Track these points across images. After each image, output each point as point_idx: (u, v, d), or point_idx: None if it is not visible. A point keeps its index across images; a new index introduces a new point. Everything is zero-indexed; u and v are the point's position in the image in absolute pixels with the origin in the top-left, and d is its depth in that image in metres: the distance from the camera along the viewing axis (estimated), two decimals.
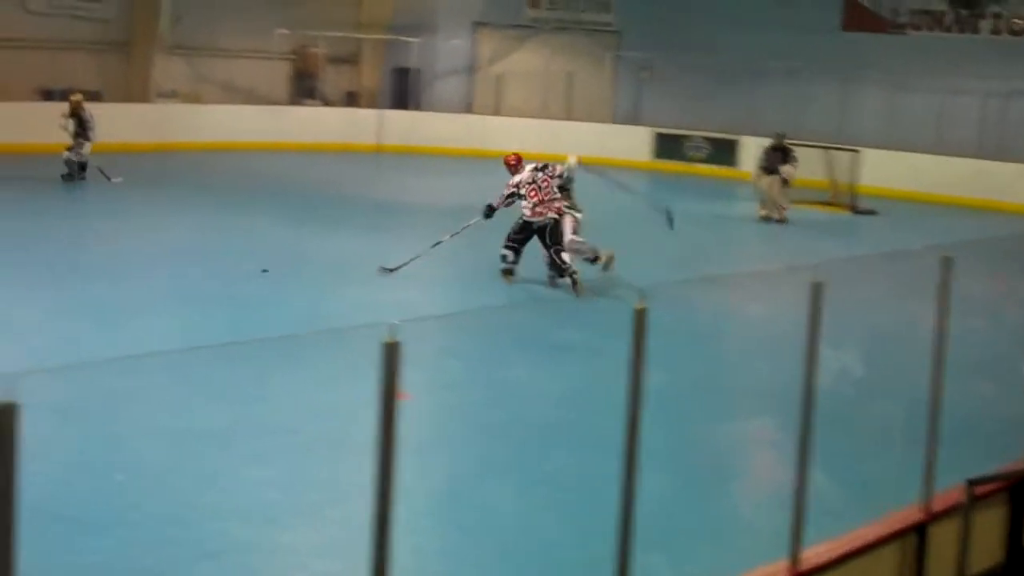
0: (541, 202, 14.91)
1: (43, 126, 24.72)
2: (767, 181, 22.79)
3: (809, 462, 6.27)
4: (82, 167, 21.79)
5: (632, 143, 31.26)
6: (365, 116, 31.64)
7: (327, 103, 32.88)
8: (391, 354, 4.33)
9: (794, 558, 6.19)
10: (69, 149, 21.74)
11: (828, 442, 8.11)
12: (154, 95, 29.83)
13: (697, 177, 27.93)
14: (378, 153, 30.45)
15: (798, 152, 23.28)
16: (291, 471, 8.33)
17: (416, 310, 12.72)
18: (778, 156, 22.98)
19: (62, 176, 21.57)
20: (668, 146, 31.01)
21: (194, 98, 30.57)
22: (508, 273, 15.03)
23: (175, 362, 10.38)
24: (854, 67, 29.35)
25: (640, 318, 5.29)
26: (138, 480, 7.99)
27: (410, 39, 33.00)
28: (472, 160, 29.74)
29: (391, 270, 14.76)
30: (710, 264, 17.56)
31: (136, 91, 29.68)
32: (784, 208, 22.76)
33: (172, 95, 30.23)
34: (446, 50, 34.19)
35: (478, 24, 34.45)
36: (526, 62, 34.09)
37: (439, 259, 15.03)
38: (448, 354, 11.44)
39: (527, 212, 14.89)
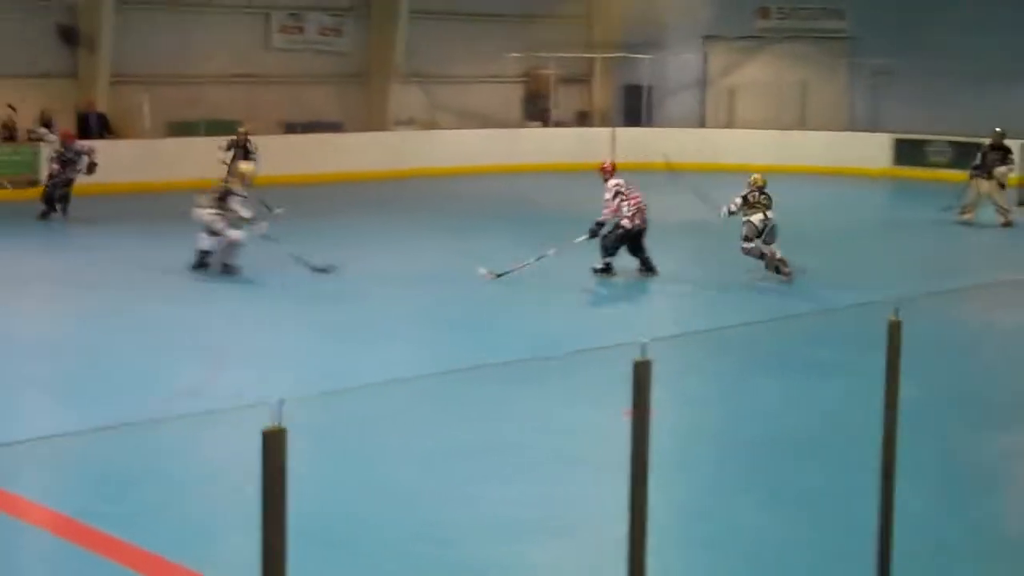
0: (639, 209, 15.90)
1: (287, 158, 25.72)
2: (986, 186, 21.92)
3: None
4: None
5: (870, 150, 30.61)
6: (597, 135, 31.77)
7: (558, 124, 33.15)
8: (642, 372, 4.34)
9: None
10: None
11: None
12: (392, 123, 30.59)
13: (939, 183, 27.12)
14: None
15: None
16: (538, 490, 8.39)
17: (649, 330, 12.70)
18: (997, 156, 22.10)
19: None
20: (908, 152, 30.24)
21: (430, 124, 31.25)
22: (607, 271, 16.01)
23: (427, 385, 10.63)
24: None
25: (894, 331, 5.19)
26: (390, 500, 8.17)
27: (640, 56, 33.03)
28: (706, 175, 29.58)
29: (498, 275, 15.36)
30: (957, 273, 17.07)
31: (375, 120, 30.51)
32: (1009, 211, 21.88)
33: (409, 123, 30.95)
34: (676, 65, 34.08)
35: (708, 38, 34.25)
36: (757, 73, 33.74)
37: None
38: (693, 371, 11.38)
39: (626, 222, 15.87)
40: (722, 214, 16.52)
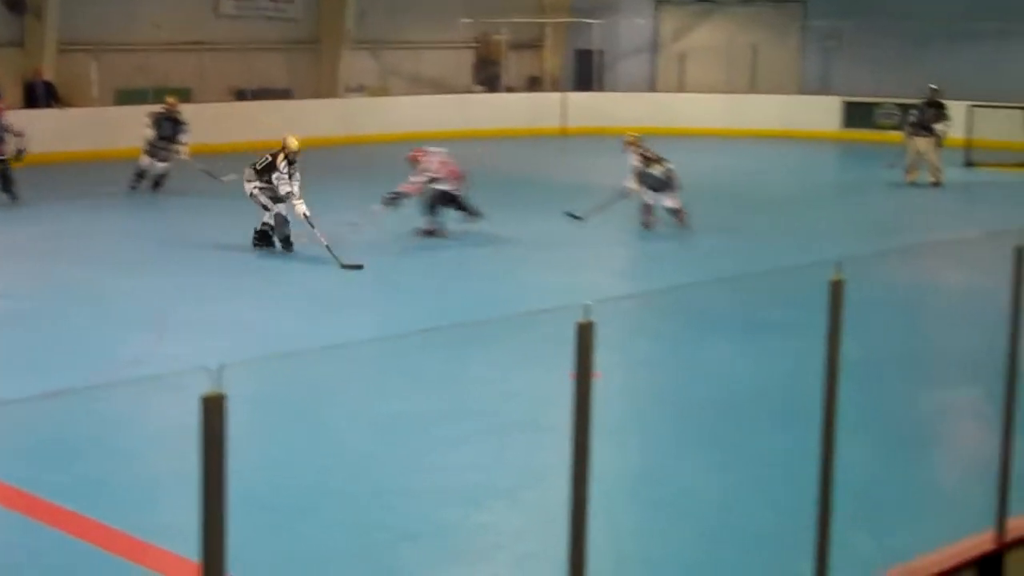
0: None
1: (237, 125, 25.57)
2: (922, 143, 22.05)
3: (1015, 429, 6.13)
4: (157, 183, 20.41)
5: (820, 113, 30.74)
6: (549, 100, 31.76)
7: (509, 89, 33.10)
8: (585, 335, 4.36)
9: (1000, 527, 6.05)
10: (152, 155, 20.27)
11: None
12: (342, 90, 30.45)
13: (888, 145, 27.29)
14: (563, 136, 30.54)
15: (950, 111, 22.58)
16: (489, 454, 8.43)
17: (602, 292, 12.76)
18: (932, 113, 22.24)
19: (131, 187, 20.33)
20: (858, 115, 30.38)
21: (381, 91, 31.12)
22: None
23: (373, 350, 10.64)
24: None
25: (836, 291, 5.22)
26: (343, 465, 8.20)
27: (592, 20, 33.00)
28: (657, 139, 29.63)
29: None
30: (903, 233, 17.20)
31: (325, 87, 30.35)
32: (940, 171, 22.04)
33: (359, 89, 30.81)
34: (628, 29, 34.09)
35: (660, 2, 34.27)
36: (709, 37, 33.77)
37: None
38: (641, 334, 11.46)
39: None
40: (629, 192, 17.01)
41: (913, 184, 21.90)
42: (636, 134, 17.67)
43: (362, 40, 30.82)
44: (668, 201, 16.76)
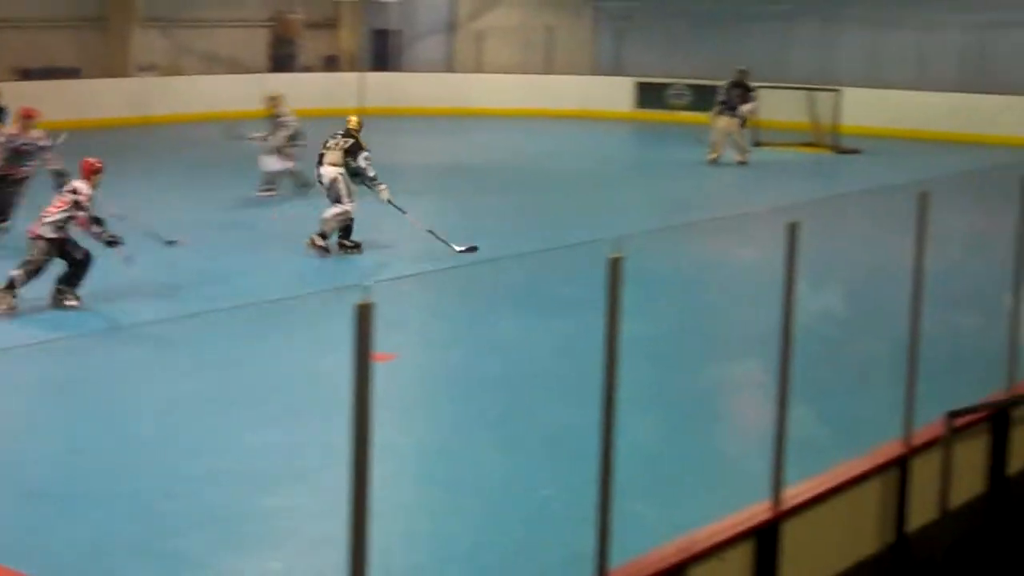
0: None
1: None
2: (726, 122, 22.67)
3: (790, 402, 6.34)
4: None
5: (615, 94, 31.25)
6: (346, 79, 31.56)
7: (306, 69, 32.78)
8: (364, 316, 4.36)
9: (776, 498, 6.28)
10: None
11: (813, 381, 8.22)
12: (133, 69, 29.74)
13: (679, 125, 27.92)
14: (361, 116, 30.36)
15: (759, 92, 23.30)
16: (283, 437, 8.39)
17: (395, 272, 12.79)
18: (738, 93, 22.88)
19: None
20: (650, 95, 30.97)
21: (173, 70, 30.49)
22: None
23: (161, 333, 10.47)
24: (836, 5, 29.30)
25: (615, 268, 5.32)
26: (130, 452, 8.06)
27: (388, 0, 32.90)
28: (455, 119, 29.75)
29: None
30: (692, 211, 17.62)
31: (116, 66, 29.59)
32: (746, 150, 22.71)
33: (151, 68, 30.13)
34: (425, 9, 34.09)
35: None
36: (506, 18, 33.99)
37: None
38: (435, 313, 11.52)
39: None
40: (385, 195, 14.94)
41: (715, 163, 22.44)
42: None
43: (153, 17, 30.14)
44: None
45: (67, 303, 11.33)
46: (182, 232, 13.17)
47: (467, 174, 18.91)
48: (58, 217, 11.27)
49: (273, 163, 18.03)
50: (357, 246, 14.34)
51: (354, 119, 14.93)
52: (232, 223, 16.35)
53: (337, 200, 14.19)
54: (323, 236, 14.07)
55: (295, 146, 18.17)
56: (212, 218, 16.53)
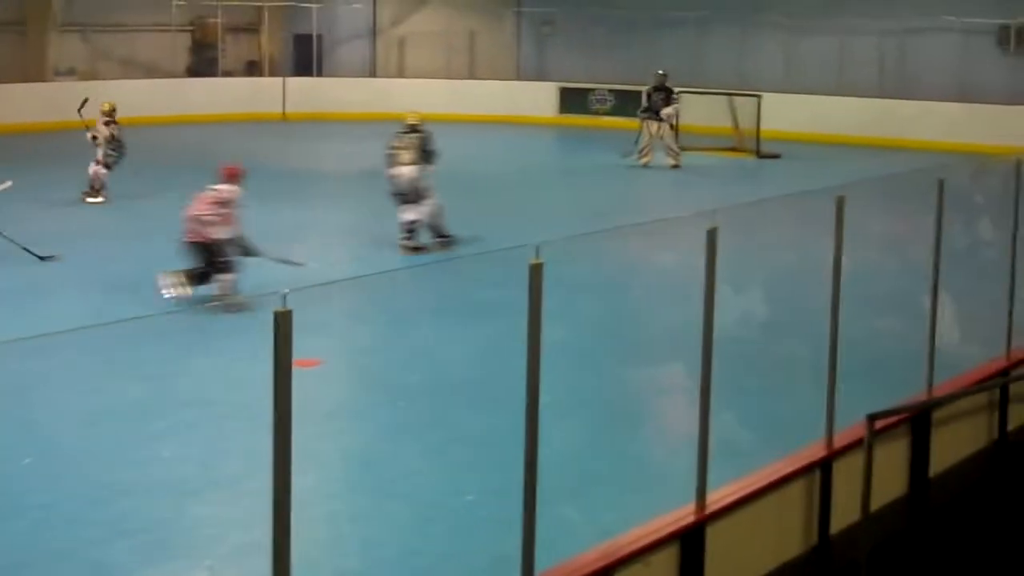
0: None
1: None
2: (656, 127, 22.82)
3: (713, 405, 6.38)
4: None
5: (538, 99, 31.27)
6: (268, 85, 31.39)
7: (227, 73, 32.53)
8: (283, 323, 4.34)
9: (700, 501, 6.31)
10: None
11: (736, 384, 8.28)
12: (51, 74, 29.35)
13: (602, 130, 28.02)
14: (283, 121, 30.24)
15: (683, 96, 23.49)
16: (206, 445, 8.32)
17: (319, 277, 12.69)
18: (660, 97, 23.04)
19: None
20: (573, 100, 31.06)
21: (92, 75, 30.11)
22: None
23: (80, 341, 10.33)
24: (753, 11, 29.56)
25: (536, 274, 5.33)
26: (51, 462, 7.95)
27: (310, 4, 32.73)
28: (377, 124, 29.61)
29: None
30: (615, 216, 17.67)
31: (32, 70, 29.18)
32: (678, 153, 22.87)
33: (69, 73, 29.75)
34: (347, 14, 33.93)
35: None
36: (428, 23, 33.92)
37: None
38: (359, 319, 11.47)
39: None
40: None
41: (647, 167, 22.57)
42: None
43: (71, 22, 29.78)
44: None
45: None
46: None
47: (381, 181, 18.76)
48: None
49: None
50: (450, 239, 14.47)
51: (414, 114, 15.11)
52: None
53: (420, 198, 14.37)
54: (411, 234, 14.24)
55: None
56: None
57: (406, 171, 14.40)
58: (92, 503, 7.27)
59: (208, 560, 6.72)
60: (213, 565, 6.63)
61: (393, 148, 14.79)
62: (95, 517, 7.06)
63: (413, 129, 14.87)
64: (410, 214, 14.34)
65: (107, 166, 18.02)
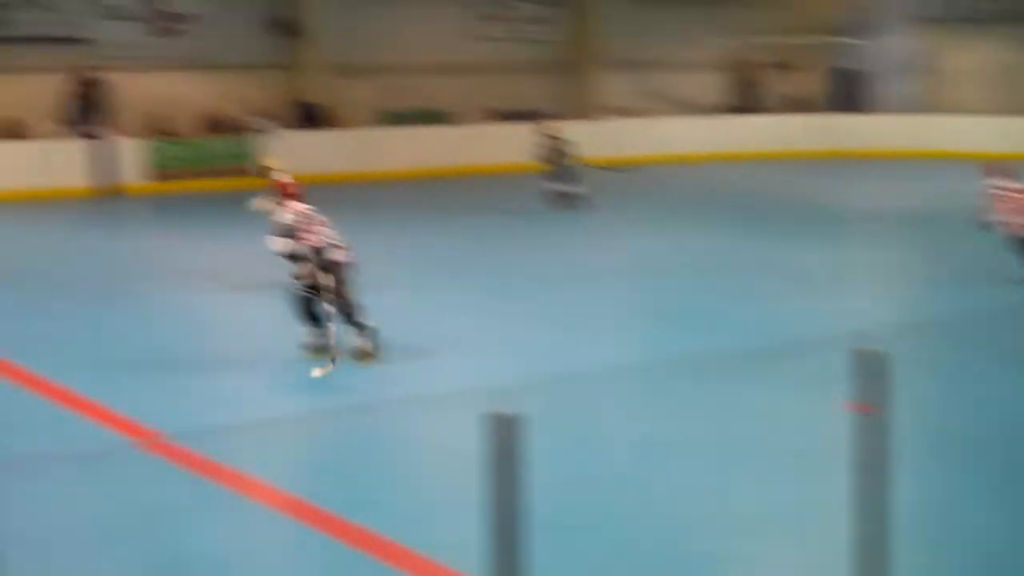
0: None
1: (495, 146, 25.95)
2: None
3: None
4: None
5: None
6: (809, 122, 31.19)
7: (769, 110, 32.62)
8: (869, 364, 4.18)
9: None
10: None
11: None
12: (600, 111, 30.52)
13: None
14: (825, 158, 29.93)
15: None
16: (764, 484, 8.20)
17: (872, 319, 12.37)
18: None
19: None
20: None
21: (639, 112, 31.06)
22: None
23: (645, 375, 10.54)
24: None
25: None
26: (616, 490, 8.07)
27: (854, 40, 32.26)
28: (924, 161, 28.68)
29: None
30: None
31: (580, 108, 30.48)
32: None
33: (618, 111, 30.81)
34: (890, 49, 33.16)
35: (922, 20, 33.20)
36: (976, 56, 32.56)
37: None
38: (923, 365, 10.93)
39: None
40: None
41: None
42: None
43: (618, 61, 30.87)
44: None
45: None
46: None
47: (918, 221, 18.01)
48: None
49: None
50: None
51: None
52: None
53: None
54: None
55: None
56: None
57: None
58: (654, 532, 7.31)
59: None
60: None
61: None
62: (655, 549, 7.09)
63: None
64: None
65: None
